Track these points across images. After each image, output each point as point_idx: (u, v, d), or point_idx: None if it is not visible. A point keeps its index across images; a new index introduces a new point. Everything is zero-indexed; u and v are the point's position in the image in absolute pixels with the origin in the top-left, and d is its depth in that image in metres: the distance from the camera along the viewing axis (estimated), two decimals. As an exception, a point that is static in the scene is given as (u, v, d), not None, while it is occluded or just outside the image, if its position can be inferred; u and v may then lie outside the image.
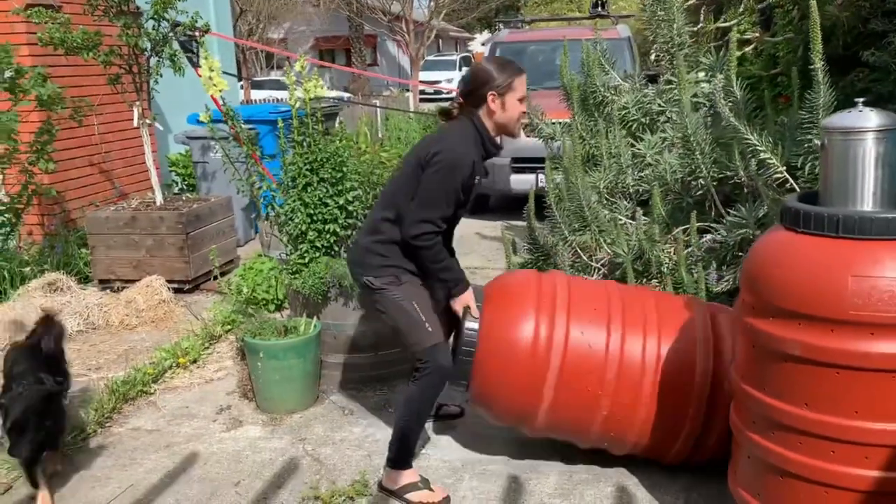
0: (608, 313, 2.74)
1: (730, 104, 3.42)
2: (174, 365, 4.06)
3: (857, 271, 1.90)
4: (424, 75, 25.10)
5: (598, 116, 4.44)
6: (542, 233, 4.12)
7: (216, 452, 3.22)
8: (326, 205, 3.70)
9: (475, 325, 2.75)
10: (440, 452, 3.14)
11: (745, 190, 3.54)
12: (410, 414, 2.79)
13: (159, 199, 5.62)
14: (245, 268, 4.83)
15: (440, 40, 34.97)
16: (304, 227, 3.72)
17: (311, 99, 3.85)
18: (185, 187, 7.44)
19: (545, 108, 4.88)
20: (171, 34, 5.34)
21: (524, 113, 2.86)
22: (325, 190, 3.71)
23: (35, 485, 2.78)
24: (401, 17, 25.22)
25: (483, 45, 25.47)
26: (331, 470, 3.03)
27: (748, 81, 4.09)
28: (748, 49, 5.22)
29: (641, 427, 2.71)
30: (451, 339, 3.01)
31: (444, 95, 20.34)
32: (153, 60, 5.41)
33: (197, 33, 5.47)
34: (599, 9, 8.93)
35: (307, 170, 3.71)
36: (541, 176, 6.10)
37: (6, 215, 5.36)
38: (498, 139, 2.88)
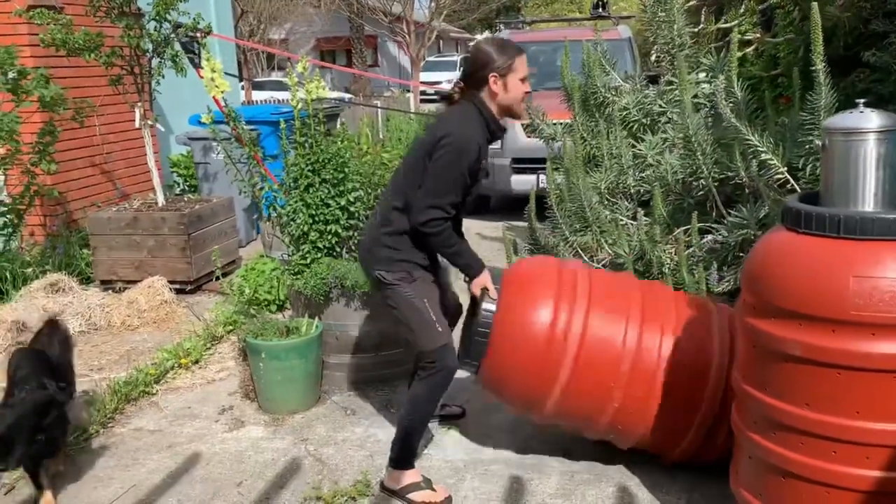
0: (627, 306, 2.73)
1: (731, 105, 3.42)
2: (176, 365, 4.07)
3: (858, 272, 1.91)
4: (425, 76, 25.10)
5: (599, 117, 4.45)
6: (543, 233, 4.13)
7: (218, 453, 3.22)
8: (328, 206, 3.71)
9: (492, 307, 2.73)
10: (442, 452, 3.14)
11: (747, 190, 3.54)
12: (415, 413, 2.79)
13: (161, 199, 5.63)
14: (247, 268, 4.84)
15: (441, 41, 34.97)
16: (305, 228, 3.72)
17: (312, 100, 3.85)
18: (186, 188, 7.45)
19: (546, 109, 4.89)
20: (172, 35, 5.35)
21: (527, 93, 2.82)
22: (326, 191, 3.72)
23: (38, 486, 2.79)
24: (402, 17, 25.23)
25: (484, 45, 25.33)
26: (333, 470, 3.04)
27: (749, 82, 4.09)
28: (749, 50, 5.22)
29: (652, 421, 2.70)
30: (463, 319, 2.99)
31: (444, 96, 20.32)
32: (155, 61, 5.42)
33: (199, 34, 5.48)
34: (600, 10, 8.94)
35: (309, 171, 3.72)
36: (542, 176, 6.11)
37: (8, 216, 5.38)
38: (502, 122, 2.84)
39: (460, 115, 2.77)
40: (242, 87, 14.93)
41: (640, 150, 4.12)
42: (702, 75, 4.18)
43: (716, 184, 3.65)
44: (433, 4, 25.96)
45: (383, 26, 26.64)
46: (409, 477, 2.80)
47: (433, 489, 2.79)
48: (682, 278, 3.37)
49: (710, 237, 3.57)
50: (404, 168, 2.86)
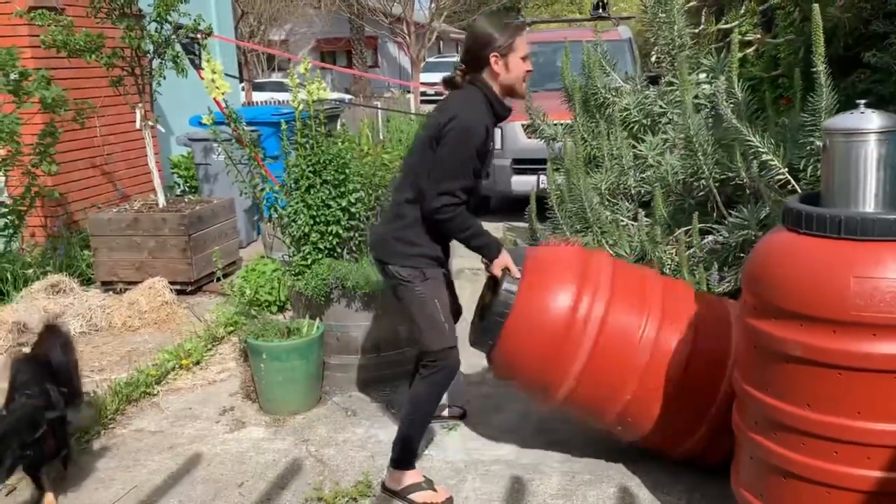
0: (648, 300, 2.72)
1: (732, 105, 3.43)
2: (177, 366, 4.07)
3: (859, 272, 1.91)
4: (425, 77, 25.09)
5: (599, 118, 4.46)
6: (543, 234, 4.13)
7: (219, 454, 3.22)
8: (329, 206, 3.71)
9: (514, 288, 2.70)
10: (443, 453, 3.14)
11: (747, 191, 3.54)
12: (415, 413, 2.79)
13: (161, 200, 5.63)
14: (248, 269, 4.84)
15: (441, 42, 34.98)
16: (306, 229, 3.72)
17: (313, 101, 3.86)
18: (187, 189, 7.46)
19: (547, 110, 4.90)
20: (173, 37, 5.36)
21: (529, 72, 2.77)
22: (327, 192, 3.72)
23: (40, 487, 2.79)
24: (402, 18, 25.23)
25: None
26: (334, 471, 3.04)
27: (749, 83, 4.09)
28: (749, 51, 5.23)
29: (662, 417, 2.69)
30: (478, 299, 2.97)
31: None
32: (156, 63, 5.43)
33: (199, 36, 5.49)
34: (600, 10, 8.94)
35: (310, 172, 3.72)
36: (542, 177, 6.11)
37: (9, 217, 5.38)
38: (506, 102, 2.80)
39: (464, 99, 2.73)
40: (243, 89, 14.94)
41: (640, 150, 4.13)
42: (702, 76, 4.19)
43: (716, 184, 3.65)
44: (433, 5, 25.96)
45: (383, 27, 26.65)
46: (411, 477, 2.80)
47: (434, 490, 2.79)
48: (682, 279, 3.38)
49: (710, 238, 3.58)
50: (412, 158, 2.82)
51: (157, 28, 5.27)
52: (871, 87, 3.83)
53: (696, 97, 3.98)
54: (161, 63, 5.41)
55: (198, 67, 5.57)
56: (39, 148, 5.28)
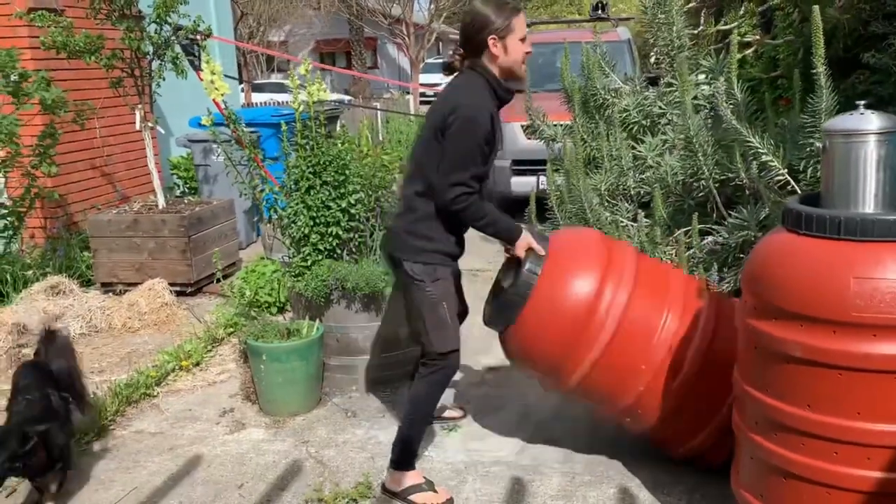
0: (669, 295, 2.71)
1: (731, 106, 3.43)
2: (177, 368, 4.07)
3: (859, 273, 1.91)
4: (425, 78, 25.11)
5: (598, 119, 4.46)
6: (543, 235, 4.13)
7: (219, 455, 3.22)
8: (329, 208, 3.71)
9: (537, 269, 2.68)
10: (443, 454, 3.15)
11: (747, 192, 3.55)
12: (415, 413, 2.80)
13: (161, 202, 5.63)
14: (247, 270, 4.84)
15: (440, 43, 34.98)
16: (306, 230, 3.73)
17: (314, 102, 3.86)
18: (186, 190, 7.46)
19: (546, 111, 4.90)
20: (173, 38, 5.36)
21: (528, 53, 2.73)
22: (327, 193, 3.72)
23: (39, 490, 2.79)
24: (401, 19, 25.26)
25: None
26: (334, 472, 3.04)
27: (749, 84, 4.10)
28: (749, 52, 5.23)
29: (673, 412, 2.69)
30: (495, 276, 2.95)
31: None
32: (155, 64, 5.43)
33: (199, 37, 5.49)
34: (599, 11, 8.94)
35: (310, 173, 3.72)
36: (542, 178, 6.12)
37: (9, 218, 5.38)
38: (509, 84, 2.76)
39: (465, 86, 2.70)
40: (242, 90, 14.95)
41: (640, 151, 4.13)
42: (701, 77, 4.19)
43: (716, 185, 3.65)
44: (432, 6, 25.99)
45: (383, 28, 26.67)
46: (411, 478, 2.80)
47: (435, 491, 2.79)
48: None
49: (710, 238, 3.58)
50: (419, 151, 2.79)
51: (156, 29, 5.28)
52: (870, 89, 3.83)
53: (695, 98, 3.98)
54: (161, 64, 5.42)
55: (197, 69, 5.58)
56: (39, 149, 5.28)
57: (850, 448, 1.96)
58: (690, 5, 5.31)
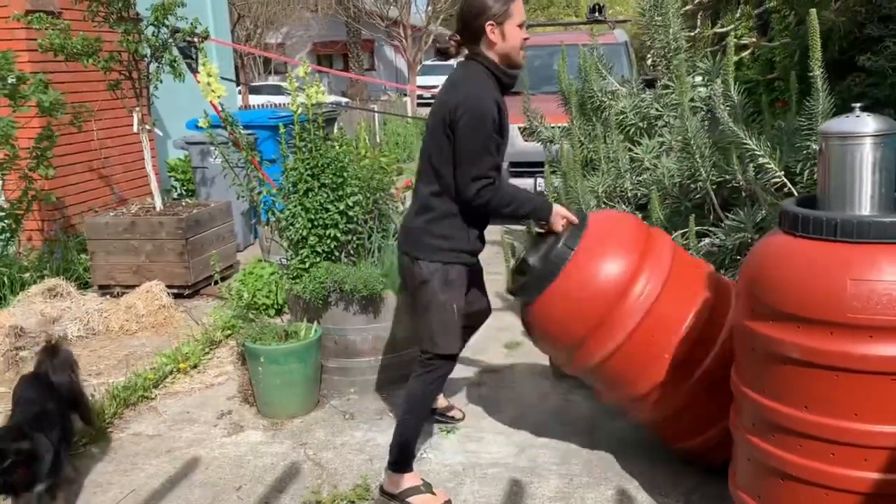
0: (699, 291, 2.69)
1: (728, 109, 3.44)
2: (175, 370, 4.07)
3: (855, 275, 1.92)
4: (422, 80, 25.13)
5: (596, 121, 4.47)
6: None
7: (217, 457, 3.22)
8: (327, 210, 3.71)
9: (574, 244, 2.65)
10: (441, 456, 3.15)
11: (744, 194, 3.56)
12: (411, 412, 2.80)
13: (159, 204, 5.63)
14: (245, 273, 4.84)
15: (434, 48, 35.03)
16: (304, 233, 3.73)
17: (312, 105, 3.86)
18: (184, 192, 7.46)
19: (544, 113, 4.91)
20: (170, 40, 5.36)
21: (526, 39, 2.69)
22: (325, 195, 3.72)
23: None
24: (398, 22, 25.27)
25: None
26: (332, 474, 3.04)
27: (745, 86, 4.12)
28: (745, 54, 5.25)
29: (685, 409, 2.68)
30: (526, 246, 2.91)
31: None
32: (153, 66, 5.43)
33: (196, 39, 5.49)
34: (597, 14, 8.96)
35: (308, 175, 3.73)
36: (539, 180, 6.12)
37: (6, 221, 5.37)
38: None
39: (467, 78, 2.68)
40: (239, 92, 14.94)
41: (636, 153, 4.14)
42: (698, 79, 4.21)
43: (713, 187, 3.66)
44: (430, 8, 26.01)
45: (380, 30, 26.69)
46: (409, 480, 2.80)
47: (433, 493, 2.79)
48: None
49: (707, 240, 3.59)
50: (429, 149, 2.74)
51: (154, 32, 5.28)
52: (866, 91, 3.86)
53: (692, 100, 3.99)
54: (158, 67, 5.42)
55: (195, 71, 5.58)
56: (36, 152, 5.27)
57: (847, 449, 1.96)
58: (687, 8, 5.34)
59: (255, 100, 18.96)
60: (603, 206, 4.12)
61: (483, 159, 2.59)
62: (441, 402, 3.39)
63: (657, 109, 4.28)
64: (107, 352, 4.51)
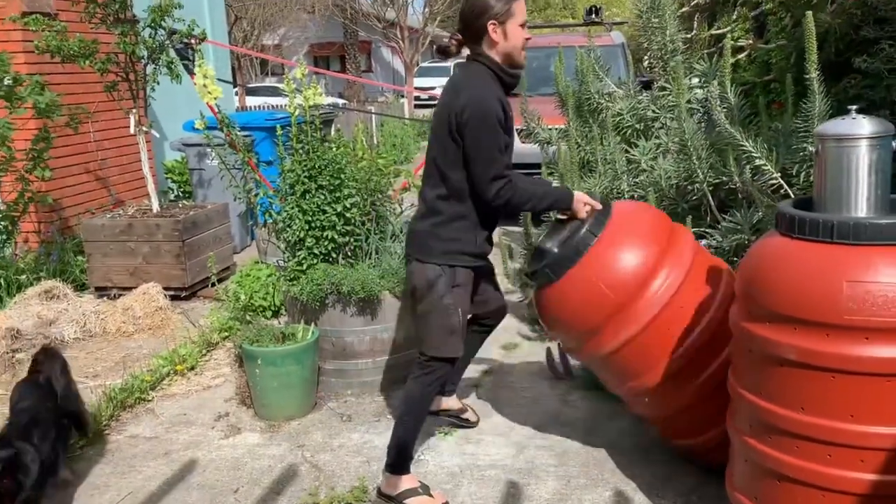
0: (718, 290, 2.68)
1: (725, 110, 3.45)
2: (172, 372, 4.06)
3: (851, 276, 1.93)
4: (419, 82, 25.12)
5: (593, 123, 4.47)
6: (538, 238, 4.14)
7: (215, 459, 3.22)
8: (325, 212, 3.72)
9: (598, 231, 2.64)
10: (438, 457, 3.15)
11: (740, 195, 3.57)
12: (409, 413, 2.80)
13: (155, 206, 5.62)
14: (242, 274, 4.83)
15: (434, 47, 35.05)
16: (301, 234, 3.73)
17: (309, 106, 3.86)
18: (181, 194, 7.45)
19: (541, 114, 4.91)
20: (167, 42, 5.36)
21: (528, 39, 2.70)
22: (323, 197, 3.72)
23: None
24: (395, 23, 25.28)
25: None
26: (329, 476, 3.04)
27: (742, 88, 4.13)
28: (742, 56, 5.27)
29: (691, 407, 2.68)
30: (547, 229, 2.90)
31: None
32: (150, 68, 5.43)
33: (193, 41, 5.49)
34: (593, 16, 8.97)
35: (305, 177, 3.73)
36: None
37: (2, 223, 5.37)
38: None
39: (469, 80, 2.68)
40: (236, 93, 14.94)
41: (633, 155, 4.14)
42: (694, 81, 4.22)
43: (710, 189, 3.67)
44: (427, 10, 26.03)
45: (377, 32, 26.69)
46: (406, 482, 2.80)
47: (430, 495, 2.79)
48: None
49: (704, 242, 3.59)
50: (435, 152, 2.74)
51: (151, 33, 5.27)
52: (861, 93, 3.87)
53: (688, 102, 4.00)
54: (155, 68, 5.41)
55: (192, 73, 5.57)
56: (33, 153, 5.27)
57: (843, 450, 1.97)
58: (684, 10, 5.35)
59: (251, 101, 18.97)
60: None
61: (497, 159, 2.61)
62: (454, 403, 3.36)
63: (654, 111, 4.29)
64: (103, 354, 4.50)
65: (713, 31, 5.55)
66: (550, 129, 4.81)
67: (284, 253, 3.89)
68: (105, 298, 5.19)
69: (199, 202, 6.31)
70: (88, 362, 4.36)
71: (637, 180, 4.08)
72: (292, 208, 3.75)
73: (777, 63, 4.79)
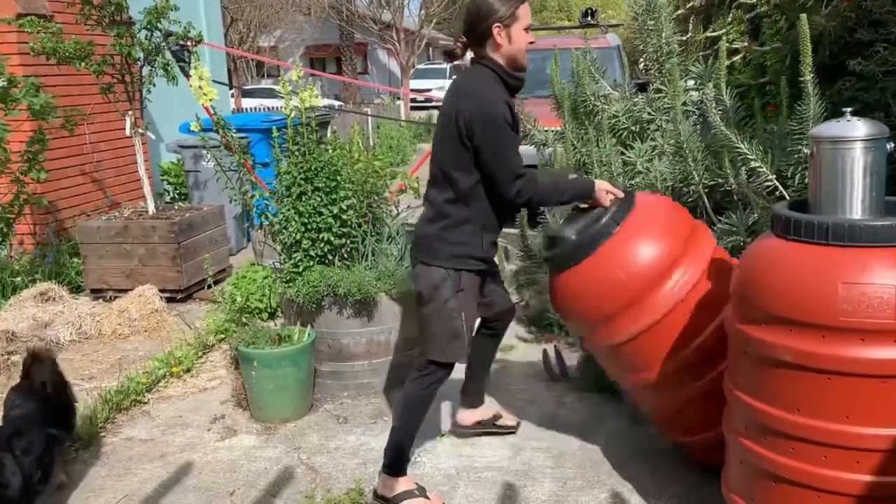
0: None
1: (720, 112, 3.46)
2: (167, 374, 4.06)
3: (846, 278, 1.93)
4: (415, 84, 25.17)
5: (588, 124, 4.48)
6: (534, 240, 4.14)
7: (211, 462, 3.21)
8: (321, 213, 3.71)
9: (620, 218, 2.64)
10: (435, 460, 3.15)
11: (736, 197, 3.57)
12: (407, 415, 2.80)
13: (151, 207, 5.62)
14: (238, 276, 4.83)
15: (430, 49, 35.06)
16: (298, 236, 3.72)
17: (306, 108, 3.86)
18: (177, 196, 7.44)
19: (537, 116, 4.92)
20: (163, 44, 5.35)
21: (532, 42, 2.72)
22: (319, 199, 3.72)
23: None
24: (391, 25, 25.31)
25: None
26: (326, 478, 3.04)
27: (737, 90, 4.13)
28: (737, 58, 5.27)
29: (694, 403, 2.67)
30: (568, 214, 2.93)
31: (434, 104, 20.40)
32: (146, 70, 5.42)
33: (189, 43, 5.48)
34: (589, 18, 8.98)
35: (302, 179, 3.72)
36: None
37: (-3, 225, 5.35)
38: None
39: (475, 85, 2.69)
40: (232, 95, 14.92)
41: (629, 157, 4.15)
42: (690, 83, 4.22)
43: (705, 190, 3.68)
44: (423, 12, 26.05)
45: (373, 34, 26.70)
46: (403, 484, 2.80)
47: (426, 497, 2.79)
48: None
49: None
50: (441, 156, 2.74)
51: (147, 35, 5.27)
52: (856, 95, 3.88)
53: (684, 104, 4.01)
54: (151, 70, 5.41)
55: (188, 74, 5.56)
56: (28, 155, 5.25)
57: (838, 452, 1.97)
58: (679, 12, 5.36)
59: (247, 103, 18.95)
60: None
61: (512, 159, 2.64)
62: (486, 413, 3.33)
63: (649, 113, 4.29)
64: (99, 356, 4.49)
65: (708, 34, 5.56)
66: (546, 131, 4.81)
67: (281, 255, 3.89)
68: (101, 300, 5.17)
69: (195, 204, 6.30)
70: (84, 364, 4.35)
71: (633, 182, 4.08)
72: (288, 210, 3.75)
73: (772, 65, 4.79)
